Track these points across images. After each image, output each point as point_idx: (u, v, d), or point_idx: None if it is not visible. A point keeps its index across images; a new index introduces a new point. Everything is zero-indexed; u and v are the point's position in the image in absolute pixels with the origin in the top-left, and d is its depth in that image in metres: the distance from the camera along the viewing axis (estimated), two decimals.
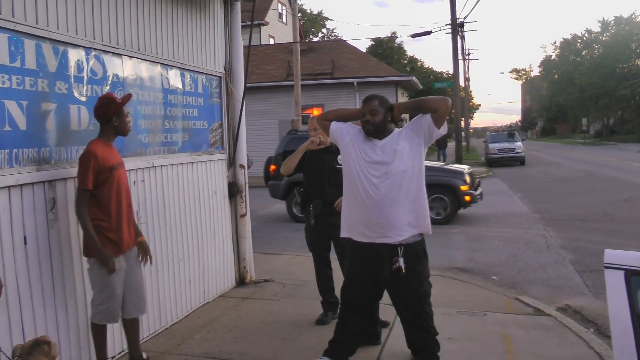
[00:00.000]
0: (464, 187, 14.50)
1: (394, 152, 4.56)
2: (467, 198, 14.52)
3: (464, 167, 15.90)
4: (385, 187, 4.54)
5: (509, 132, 39.81)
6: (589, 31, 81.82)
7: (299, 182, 12.78)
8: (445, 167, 16.24)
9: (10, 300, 4.41)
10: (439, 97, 4.63)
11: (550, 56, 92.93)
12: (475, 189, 15.01)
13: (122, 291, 5.04)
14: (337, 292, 6.02)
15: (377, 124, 4.62)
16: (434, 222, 13.90)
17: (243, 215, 8.51)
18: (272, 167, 16.34)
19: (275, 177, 16.13)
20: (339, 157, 5.94)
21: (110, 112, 4.92)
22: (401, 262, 4.48)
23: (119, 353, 5.76)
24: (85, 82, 5.37)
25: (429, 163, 16.57)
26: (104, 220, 4.86)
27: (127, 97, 5.13)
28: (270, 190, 16.35)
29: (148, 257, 5.36)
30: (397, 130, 4.72)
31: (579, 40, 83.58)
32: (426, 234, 4.70)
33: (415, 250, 4.59)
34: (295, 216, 15.78)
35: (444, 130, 4.64)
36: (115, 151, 5.11)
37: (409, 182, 4.56)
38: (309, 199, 6.68)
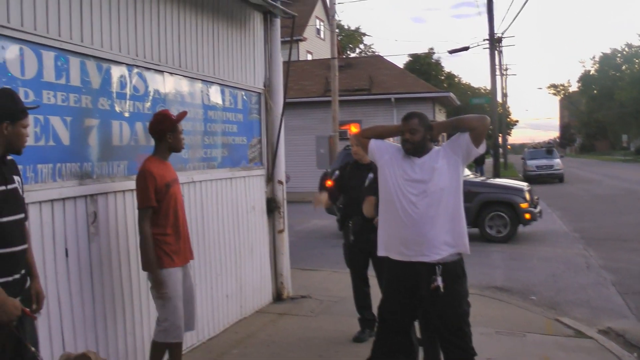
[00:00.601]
0: (524, 205, 14.30)
1: (432, 170, 4.53)
2: (528, 216, 14.27)
3: (523, 185, 15.70)
4: (423, 205, 4.51)
5: (547, 149, 39.25)
6: (629, 45, 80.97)
7: None
8: (505, 184, 16.07)
9: (51, 311, 4.46)
10: (476, 116, 4.60)
11: (589, 71, 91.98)
12: (535, 207, 14.76)
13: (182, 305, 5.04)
14: (375, 309, 5.99)
15: (416, 143, 4.59)
16: (494, 239, 13.78)
17: (281, 231, 8.53)
18: (329, 182, 15.65)
19: None
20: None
21: (165, 129, 4.97)
22: (439, 281, 4.44)
23: None
24: (127, 98, 5.46)
25: (488, 180, 16.40)
26: (163, 235, 4.90)
27: (183, 114, 5.19)
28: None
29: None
30: (436, 148, 4.69)
31: (619, 55, 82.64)
32: (464, 253, 4.65)
33: (454, 270, 4.54)
34: None
35: (482, 149, 4.60)
36: (170, 167, 5.16)
37: (446, 201, 4.52)
38: (348, 215, 6.71)
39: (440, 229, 4.48)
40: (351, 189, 6.66)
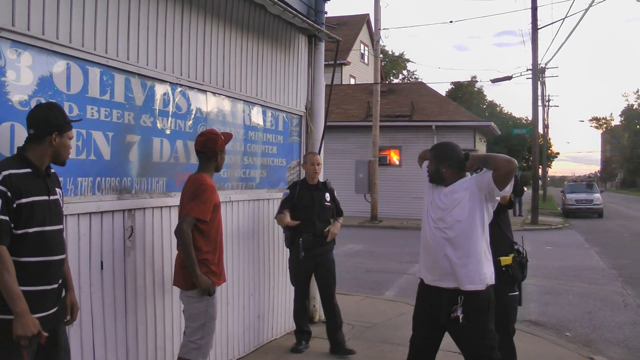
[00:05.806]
0: None
1: (451, 200, 4.58)
2: None
3: None
4: (438, 232, 4.57)
5: (588, 183, 38.80)
6: None
7: None
8: None
9: (83, 322, 4.51)
10: (505, 157, 4.55)
11: (633, 105, 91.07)
12: None
13: None
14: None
15: (430, 173, 4.76)
16: None
17: None
18: None
19: None
20: (327, 194, 7.08)
21: (218, 148, 5.03)
22: (459, 312, 4.42)
23: None
24: (169, 116, 5.53)
25: None
26: (211, 253, 4.94)
27: (230, 136, 5.25)
28: None
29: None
30: (465, 178, 4.68)
31: None
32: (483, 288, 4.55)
33: (478, 302, 4.47)
34: None
35: (508, 189, 4.56)
36: None
37: (461, 234, 4.50)
38: (298, 233, 6.95)
39: (453, 260, 4.47)
40: (302, 209, 6.98)
